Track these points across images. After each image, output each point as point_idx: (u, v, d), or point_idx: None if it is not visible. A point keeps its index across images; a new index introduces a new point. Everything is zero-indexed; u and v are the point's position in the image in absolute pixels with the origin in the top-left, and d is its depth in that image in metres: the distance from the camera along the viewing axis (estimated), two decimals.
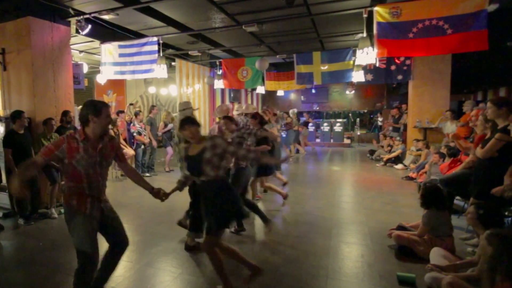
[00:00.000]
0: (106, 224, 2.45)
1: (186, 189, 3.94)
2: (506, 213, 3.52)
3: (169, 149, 8.32)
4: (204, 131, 9.46)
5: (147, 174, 7.78)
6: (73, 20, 5.81)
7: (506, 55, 7.34)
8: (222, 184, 2.68)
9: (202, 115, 10.32)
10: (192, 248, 3.63)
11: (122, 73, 6.74)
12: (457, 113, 7.88)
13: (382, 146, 10.46)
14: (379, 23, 4.60)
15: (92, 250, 2.30)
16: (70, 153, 2.24)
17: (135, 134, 7.57)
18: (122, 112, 8.13)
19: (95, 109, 2.27)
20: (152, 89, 10.82)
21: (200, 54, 9.10)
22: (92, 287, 2.44)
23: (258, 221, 4.70)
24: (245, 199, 4.07)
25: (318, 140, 14.33)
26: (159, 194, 2.64)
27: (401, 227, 3.79)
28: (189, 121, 2.73)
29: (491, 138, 3.27)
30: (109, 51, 6.72)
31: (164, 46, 7.27)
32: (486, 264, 2.18)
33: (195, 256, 3.61)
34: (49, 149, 2.25)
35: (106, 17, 5.87)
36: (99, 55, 7.01)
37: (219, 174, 2.63)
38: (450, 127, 7.27)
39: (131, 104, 9.52)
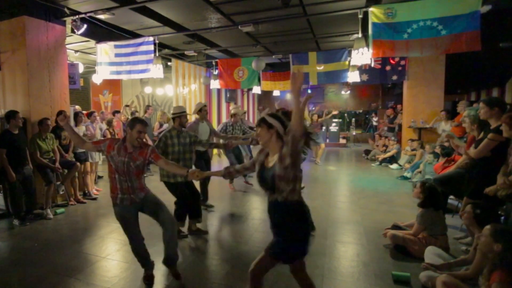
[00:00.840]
0: (147, 209, 2.98)
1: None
2: (499, 212, 3.56)
3: None
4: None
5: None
6: (68, 20, 5.79)
7: (499, 55, 7.42)
8: (294, 209, 2.12)
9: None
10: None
11: (118, 73, 6.72)
12: (451, 113, 7.96)
13: (378, 146, 10.52)
14: (374, 24, 4.64)
15: (128, 232, 2.93)
16: (108, 149, 2.85)
17: None
18: (118, 112, 8.11)
19: (132, 124, 2.83)
20: (148, 89, 10.79)
21: (196, 54, 9.10)
22: (164, 264, 3.05)
23: (253, 221, 4.71)
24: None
25: None
26: (194, 174, 2.75)
27: (396, 227, 3.82)
28: (264, 121, 2.19)
29: (484, 138, 3.31)
30: (105, 51, 6.69)
31: (160, 46, 7.26)
32: (491, 260, 2.20)
33: (192, 257, 3.62)
34: (98, 141, 3.03)
35: (101, 16, 5.85)
36: (95, 55, 6.98)
37: (295, 190, 2.07)
38: (445, 127, 7.34)
39: (126, 106, 9.49)
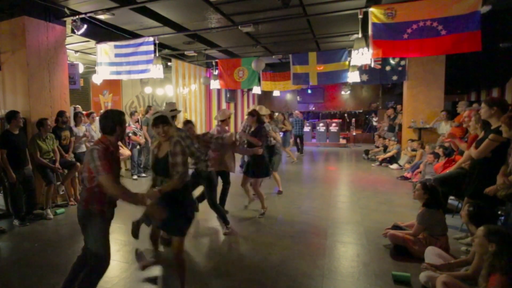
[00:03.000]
0: None
1: None
2: (499, 212, 3.56)
3: None
4: (201, 130, 9.47)
5: (143, 175, 7.75)
6: (68, 20, 5.79)
7: (499, 56, 7.42)
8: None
9: (198, 116, 10.31)
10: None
11: (118, 73, 6.72)
12: (451, 114, 7.96)
13: (378, 147, 10.53)
14: (374, 24, 4.63)
15: (108, 249, 2.46)
16: (111, 162, 2.39)
17: (130, 134, 7.56)
18: None
19: (121, 119, 2.46)
20: (148, 89, 10.78)
21: (196, 54, 9.10)
22: None
23: (253, 222, 4.71)
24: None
25: (314, 140, 14.39)
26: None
27: (396, 227, 3.82)
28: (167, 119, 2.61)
29: (484, 139, 3.31)
30: (105, 51, 6.69)
31: (160, 46, 7.26)
32: (487, 260, 2.22)
33: (191, 257, 3.62)
34: (109, 167, 2.31)
35: (102, 17, 5.85)
36: (95, 55, 6.98)
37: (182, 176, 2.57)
38: (445, 127, 7.34)
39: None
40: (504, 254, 2.13)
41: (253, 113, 4.87)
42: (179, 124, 5.03)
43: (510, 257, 2.13)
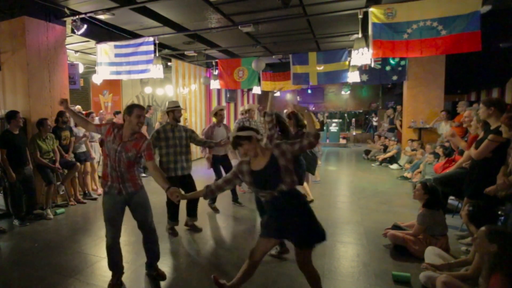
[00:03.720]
0: (134, 206, 2.90)
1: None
2: (499, 212, 3.56)
3: None
4: (200, 131, 9.47)
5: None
6: (68, 20, 5.79)
7: (499, 56, 7.42)
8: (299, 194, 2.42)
9: (198, 115, 10.31)
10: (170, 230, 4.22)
11: (118, 73, 6.72)
12: (451, 114, 7.97)
13: (375, 144, 10.53)
14: (374, 24, 4.64)
15: (108, 222, 2.83)
16: (107, 134, 2.82)
17: None
18: (119, 113, 8.10)
19: (129, 110, 2.77)
20: (148, 89, 10.78)
21: (196, 54, 9.10)
22: (148, 268, 3.12)
23: (253, 222, 4.71)
24: None
25: None
26: (173, 195, 2.60)
27: (396, 227, 3.82)
28: (241, 138, 2.36)
29: (484, 139, 3.31)
30: (105, 51, 6.70)
31: (160, 46, 7.26)
32: (488, 261, 2.21)
33: (192, 257, 3.62)
34: (101, 124, 3.08)
35: (102, 17, 5.86)
36: (95, 55, 6.98)
37: (295, 181, 2.37)
38: (445, 127, 7.34)
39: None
40: (505, 254, 2.13)
41: (289, 116, 4.31)
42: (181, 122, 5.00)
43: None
